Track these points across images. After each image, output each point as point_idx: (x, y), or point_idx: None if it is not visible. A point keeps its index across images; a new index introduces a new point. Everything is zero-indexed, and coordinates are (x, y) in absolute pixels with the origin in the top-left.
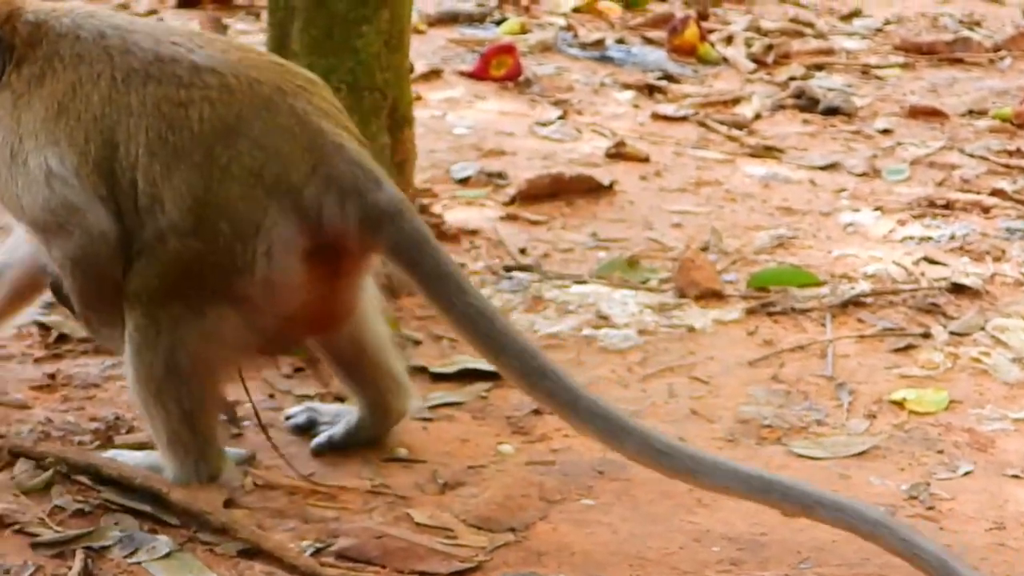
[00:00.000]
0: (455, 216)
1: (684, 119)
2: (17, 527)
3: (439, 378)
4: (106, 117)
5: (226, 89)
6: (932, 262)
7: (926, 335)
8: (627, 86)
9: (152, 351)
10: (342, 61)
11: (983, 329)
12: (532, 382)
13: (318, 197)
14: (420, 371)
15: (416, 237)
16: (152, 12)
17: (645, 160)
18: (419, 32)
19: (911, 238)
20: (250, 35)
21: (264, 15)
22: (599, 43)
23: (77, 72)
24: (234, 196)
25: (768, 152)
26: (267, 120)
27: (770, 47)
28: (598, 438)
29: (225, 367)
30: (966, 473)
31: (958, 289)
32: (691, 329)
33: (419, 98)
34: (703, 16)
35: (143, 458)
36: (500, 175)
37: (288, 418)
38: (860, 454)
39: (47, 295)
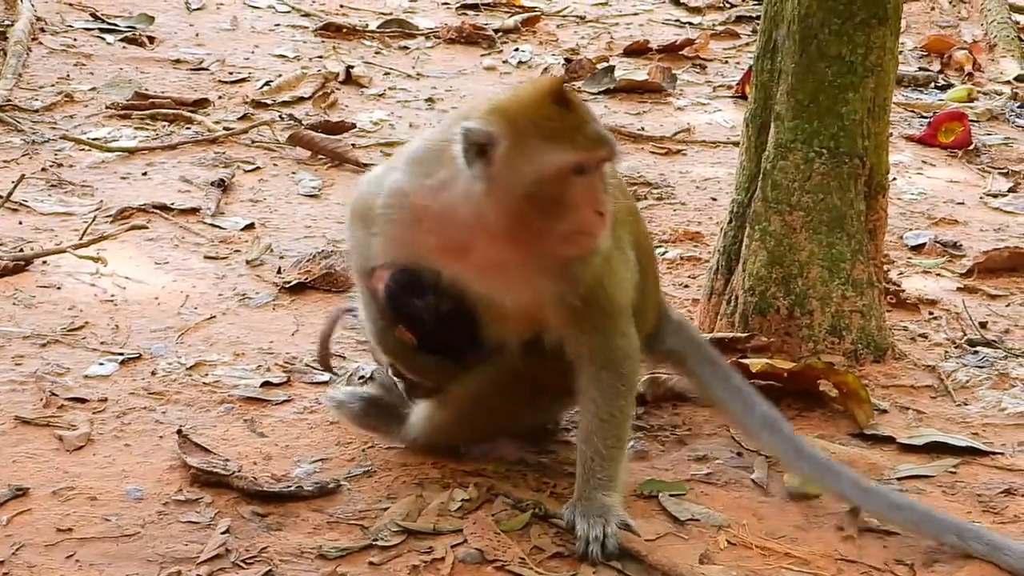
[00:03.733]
0: (912, 284)
1: None
2: (499, 564)
3: (907, 449)
4: None
5: None
6: None
7: None
8: None
9: None
10: (826, 126)
11: None
12: None
13: None
14: (887, 440)
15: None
16: (602, 59)
17: None
18: None
19: None
20: (696, 86)
21: (709, 68)
22: None
23: None
24: None
25: None
26: None
27: None
28: None
29: None
30: None
31: None
32: None
33: None
34: None
35: None
36: (955, 245)
37: None
38: None
39: None
